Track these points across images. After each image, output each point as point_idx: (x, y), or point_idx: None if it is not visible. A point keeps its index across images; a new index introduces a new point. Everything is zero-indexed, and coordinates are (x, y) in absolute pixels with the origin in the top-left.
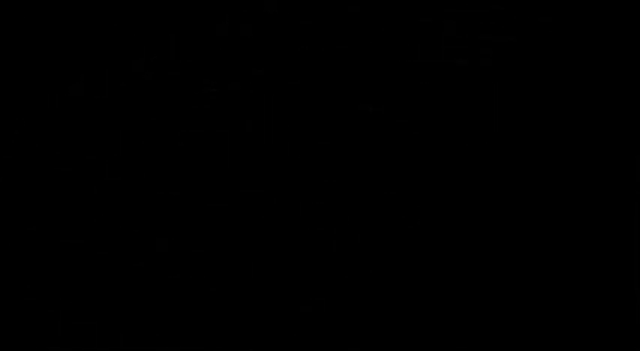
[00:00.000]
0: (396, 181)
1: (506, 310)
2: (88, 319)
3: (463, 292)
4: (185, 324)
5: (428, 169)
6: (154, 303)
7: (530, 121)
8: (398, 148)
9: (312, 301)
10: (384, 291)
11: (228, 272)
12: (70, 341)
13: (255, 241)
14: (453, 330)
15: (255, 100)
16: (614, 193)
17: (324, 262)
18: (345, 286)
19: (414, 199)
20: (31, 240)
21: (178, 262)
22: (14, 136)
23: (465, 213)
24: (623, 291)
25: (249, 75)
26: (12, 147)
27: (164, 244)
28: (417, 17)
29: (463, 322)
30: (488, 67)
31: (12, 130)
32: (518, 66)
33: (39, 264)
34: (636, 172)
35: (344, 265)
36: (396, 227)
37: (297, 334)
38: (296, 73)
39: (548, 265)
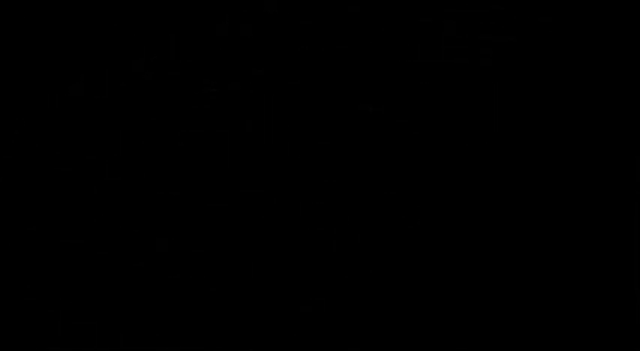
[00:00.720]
0: (396, 181)
1: (506, 310)
2: (88, 319)
3: (463, 292)
4: (185, 324)
5: (428, 169)
6: (154, 303)
7: (530, 121)
8: (398, 148)
9: (312, 301)
10: (384, 291)
11: (228, 272)
12: (70, 341)
13: (255, 241)
14: (453, 330)
15: (255, 100)
16: (614, 193)
17: (324, 262)
18: (345, 286)
19: (414, 199)
20: (31, 240)
21: (178, 262)
22: (14, 136)
23: (465, 213)
24: (623, 291)
25: (249, 75)
26: (12, 147)
27: (164, 244)
28: (417, 17)
29: (463, 322)
30: (488, 67)
31: (12, 130)
32: (518, 66)
33: (39, 264)
34: (636, 172)
35: (344, 265)
36: (396, 227)
37: (297, 334)
38: (296, 73)
39: (548, 265)
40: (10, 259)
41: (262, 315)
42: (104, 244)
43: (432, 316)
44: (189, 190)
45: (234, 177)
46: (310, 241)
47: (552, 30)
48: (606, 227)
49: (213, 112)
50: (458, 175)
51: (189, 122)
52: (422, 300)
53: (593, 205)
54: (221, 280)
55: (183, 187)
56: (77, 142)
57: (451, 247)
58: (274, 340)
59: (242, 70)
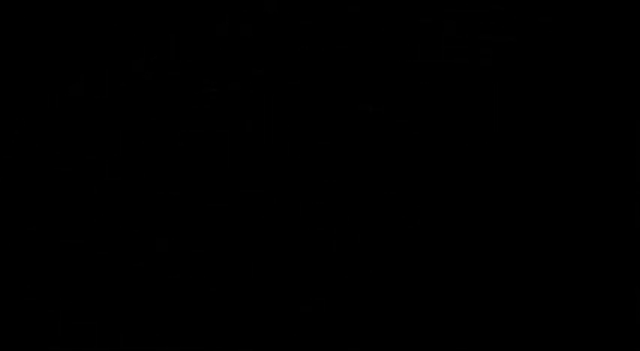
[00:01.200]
0: (396, 181)
1: (506, 310)
2: (88, 319)
3: (463, 292)
4: (185, 324)
5: (428, 169)
6: (154, 303)
7: (530, 121)
8: (398, 148)
9: (312, 301)
10: (384, 291)
11: (228, 272)
12: (70, 341)
13: (255, 241)
14: (453, 330)
15: (255, 100)
16: (614, 193)
17: (324, 262)
18: (345, 286)
19: (414, 199)
20: (31, 240)
21: (178, 262)
22: (14, 136)
23: (465, 213)
24: (623, 291)
25: (249, 75)
26: (12, 147)
27: (164, 244)
28: (417, 17)
29: (463, 322)
30: (488, 67)
31: (12, 130)
32: (518, 66)
33: (39, 264)
34: (636, 172)
35: (344, 265)
36: (396, 227)
37: (297, 334)
38: (296, 73)
39: (548, 265)
40: (10, 259)
41: (262, 315)
42: (104, 244)
43: (432, 316)
44: (189, 190)
45: (234, 177)
46: (310, 241)
47: (552, 30)
48: (606, 227)
49: (213, 112)
50: (458, 175)
51: (189, 122)
52: (422, 300)
53: (593, 204)
54: (221, 280)
55: (183, 187)
56: (77, 142)
57: (451, 247)
58: (274, 340)
59: (242, 70)
